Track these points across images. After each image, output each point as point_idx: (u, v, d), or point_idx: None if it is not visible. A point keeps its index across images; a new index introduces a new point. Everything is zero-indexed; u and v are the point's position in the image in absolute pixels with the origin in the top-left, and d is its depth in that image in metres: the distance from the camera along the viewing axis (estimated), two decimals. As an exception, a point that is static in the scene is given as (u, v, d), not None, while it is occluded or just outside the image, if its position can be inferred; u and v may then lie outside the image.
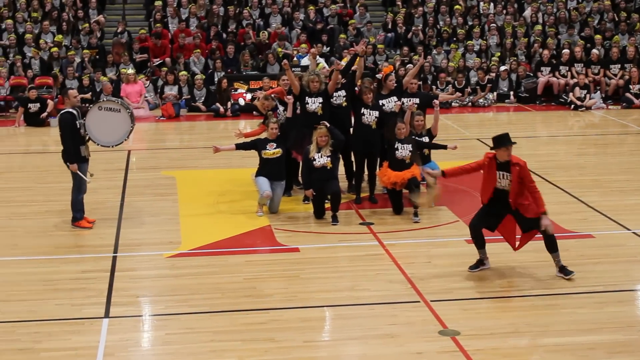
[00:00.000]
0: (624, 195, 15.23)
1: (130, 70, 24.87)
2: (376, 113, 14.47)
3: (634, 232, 13.06)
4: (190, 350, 9.22)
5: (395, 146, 13.90)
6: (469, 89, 25.52)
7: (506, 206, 11.14)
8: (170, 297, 10.76)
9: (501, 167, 11.03)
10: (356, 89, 14.83)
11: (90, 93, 24.18)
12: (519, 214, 11.10)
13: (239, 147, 14.50)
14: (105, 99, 14.55)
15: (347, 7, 29.14)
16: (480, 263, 11.50)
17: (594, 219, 13.81)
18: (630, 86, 25.12)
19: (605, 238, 12.84)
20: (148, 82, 25.12)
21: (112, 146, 14.05)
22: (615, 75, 26.01)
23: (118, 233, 13.28)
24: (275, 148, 14.17)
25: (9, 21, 26.97)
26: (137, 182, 16.40)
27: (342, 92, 14.74)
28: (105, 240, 12.92)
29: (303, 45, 25.96)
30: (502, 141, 11.00)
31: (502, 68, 26.01)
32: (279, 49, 26.28)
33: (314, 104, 14.46)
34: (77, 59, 25.86)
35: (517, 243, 11.44)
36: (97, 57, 26.30)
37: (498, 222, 11.36)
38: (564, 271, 11.15)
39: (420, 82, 23.91)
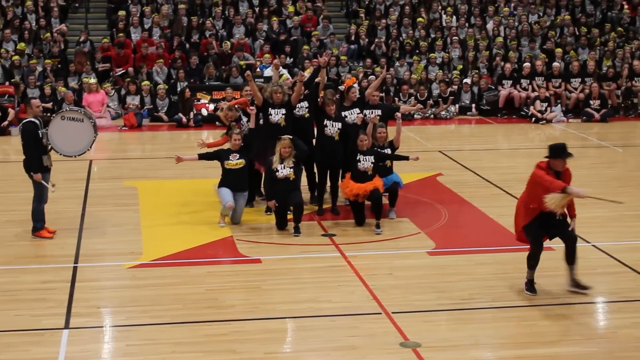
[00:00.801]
0: (584, 208, 15.19)
1: (93, 80, 24.75)
2: (339, 125, 14.51)
3: (593, 245, 13.17)
4: (151, 361, 9.19)
5: (358, 158, 13.94)
6: (431, 101, 25.63)
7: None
8: (132, 308, 10.71)
9: (558, 176, 10.90)
10: (319, 100, 14.86)
11: (52, 102, 23.99)
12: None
13: (202, 157, 14.48)
14: (68, 109, 14.49)
15: (311, 12, 29.09)
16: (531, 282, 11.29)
17: (554, 232, 13.88)
18: (591, 101, 25.36)
19: (565, 251, 12.92)
20: (113, 91, 25.01)
21: (75, 156, 14.02)
22: (576, 89, 26.25)
23: (79, 243, 13.20)
24: (238, 159, 14.16)
25: (-30, 29, 26.78)
26: (99, 192, 16.31)
27: (305, 104, 14.76)
28: (66, 251, 12.83)
29: (266, 56, 25.97)
30: (560, 152, 10.87)
31: (465, 81, 26.18)
32: (241, 62, 26.25)
33: (277, 115, 14.47)
34: (39, 68, 25.69)
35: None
36: (59, 66, 26.14)
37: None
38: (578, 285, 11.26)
39: (383, 94, 24.08)
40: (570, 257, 11.13)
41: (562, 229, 11.06)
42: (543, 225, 11.04)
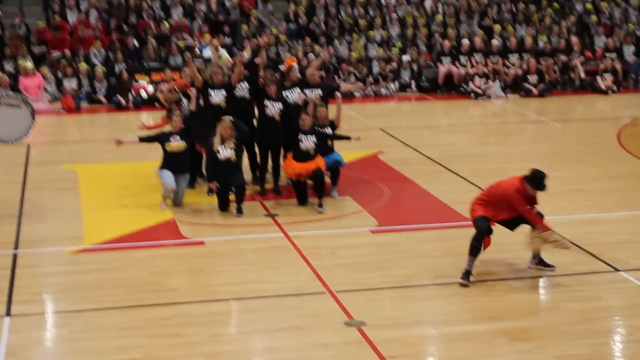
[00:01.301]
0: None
1: (29, 63, 24.41)
2: (279, 105, 14.47)
3: (534, 220, 13.27)
4: (95, 347, 9.09)
5: (299, 138, 13.92)
6: (370, 79, 25.68)
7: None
8: (74, 293, 10.61)
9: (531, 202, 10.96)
10: (259, 81, 14.80)
11: (-13, 86, 23.65)
12: None
13: (143, 140, 14.36)
14: (4, 95, 14.27)
15: None
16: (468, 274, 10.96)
17: (495, 208, 13.99)
18: (529, 76, 25.58)
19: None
20: (50, 74, 24.67)
21: (12, 142, 13.83)
22: (514, 64, 26.44)
23: (19, 229, 13.03)
24: (179, 141, 14.07)
25: None
26: (38, 177, 16.12)
27: (245, 85, 14.70)
28: (5, 237, 12.65)
29: (206, 36, 25.80)
30: (540, 185, 10.82)
31: (404, 58, 26.24)
32: (180, 42, 26.04)
33: (217, 96, 14.39)
34: (-27, 52, 25.30)
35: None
36: (-6, 49, 25.77)
37: None
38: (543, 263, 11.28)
39: (323, 73, 24.04)
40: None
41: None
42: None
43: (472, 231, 12.57)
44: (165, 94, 15.18)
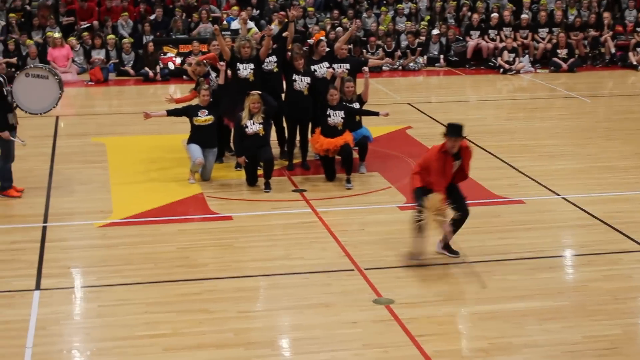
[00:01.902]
0: (553, 160, 15.41)
1: (57, 34, 24.44)
2: (308, 79, 14.40)
3: (563, 198, 13.22)
4: (124, 322, 9.12)
5: (327, 113, 13.87)
6: (399, 53, 25.54)
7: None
8: (102, 268, 10.64)
9: (456, 157, 10.54)
10: (287, 54, 14.74)
11: (16, 58, 23.70)
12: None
13: (170, 113, 14.33)
14: (32, 66, 14.30)
15: None
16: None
17: (524, 185, 13.94)
18: (558, 50, 25.35)
19: (536, 204, 12.97)
20: (78, 45, 24.69)
21: (41, 114, 13.87)
22: (543, 39, 26.21)
23: (48, 202, 13.08)
24: (207, 115, 14.04)
25: None
26: (67, 149, 16.16)
27: (274, 58, 14.64)
28: (35, 210, 12.72)
29: (234, 8, 25.70)
30: (450, 131, 10.33)
31: (433, 32, 26.07)
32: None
33: (245, 70, 14.33)
34: (2, 22, 25.32)
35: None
36: (23, 20, 25.77)
37: None
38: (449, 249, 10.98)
39: (351, 46, 23.93)
40: (456, 227, 10.75)
41: (458, 201, 10.66)
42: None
43: (501, 209, 12.58)
44: (194, 67, 15.15)
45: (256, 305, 9.74)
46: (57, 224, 12.21)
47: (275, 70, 14.67)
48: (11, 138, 13.06)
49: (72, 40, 24.62)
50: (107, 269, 10.58)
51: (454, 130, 10.33)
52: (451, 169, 10.47)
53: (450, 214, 10.45)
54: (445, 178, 10.41)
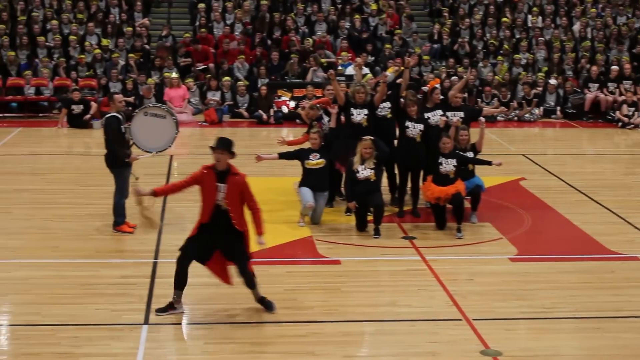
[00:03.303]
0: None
1: (174, 75, 24.91)
2: (421, 126, 14.32)
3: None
4: (229, 361, 9.14)
5: (440, 161, 13.75)
6: (514, 103, 25.29)
7: (226, 230, 10.24)
8: (210, 305, 10.69)
9: (220, 178, 10.21)
10: (401, 101, 14.70)
11: (133, 97, 24.22)
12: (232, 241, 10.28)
13: (282, 156, 14.41)
14: (151, 105, 14.57)
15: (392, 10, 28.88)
16: (171, 307, 10.33)
17: (640, 241, 13.61)
18: (679, 106, 24.80)
19: (652, 261, 12.63)
20: (194, 86, 25.12)
21: (156, 152, 14.08)
22: (664, 93, 25.68)
23: (159, 239, 13.23)
24: (318, 158, 14.07)
25: (54, 22, 27.11)
26: (179, 188, 16.31)
27: (387, 104, 14.62)
28: (146, 246, 12.88)
29: (344, 54, 25.84)
30: (217, 143, 10.10)
31: (550, 82, 25.74)
32: (322, 60, 26.13)
33: (359, 115, 14.33)
34: (122, 62, 25.93)
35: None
36: (142, 60, 26.35)
37: (211, 253, 10.33)
38: (264, 303, 10.43)
39: (465, 95, 23.81)
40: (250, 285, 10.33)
41: (231, 251, 10.31)
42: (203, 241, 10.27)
43: (616, 265, 12.25)
44: (307, 111, 15.24)
45: (362, 350, 9.66)
46: (168, 260, 12.27)
47: (389, 116, 14.64)
48: (138, 158, 13.32)
49: (190, 81, 25.06)
50: (214, 307, 10.63)
51: (218, 142, 10.08)
52: (214, 189, 10.11)
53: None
54: (209, 197, 10.13)
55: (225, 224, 10.21)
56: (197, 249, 10.29)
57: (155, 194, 10.64)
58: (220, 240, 10.27)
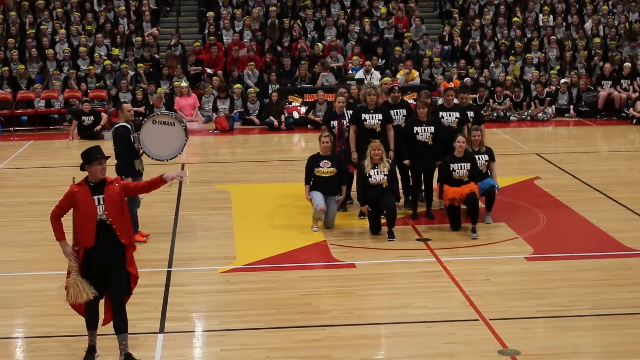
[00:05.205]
0: None
1: (184, 83, 24.89)
2: (431, 129, 14.24)
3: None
4: (245, 367, 9.09)
5: (452, 168, 13.61)
6: (529, 104, 25.17)
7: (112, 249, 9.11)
8: (225, 312, 10.63)
9: (95, 191, 9.09)
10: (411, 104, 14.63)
11: (143, 107, 24.20)
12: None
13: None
14: (159, 113, 14.54)
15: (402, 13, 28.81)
16: (92, 350, 9.27)
17: (657, 237, 13.48)
18: (694, 101, 24.65)
19: (670, 257, 12.51)
20: (209, 94, 25.05)
21: (166, 160, 14.05)
22: (678, 89, 25.53)
23: (172, 247, 13.19)
24: (329, 167, 13.94)
25: (62, 31, 27.12)
26: (191, 196, 16.32)
27: (403, 111, 14.60)
28: (160, 255, 12.84)
29: (355, 58, 25.76)
30: (86, 156, 9.23)
31: (562, 81, 25.61)
32: (332, 65, 26.06)
33: (372, 119, 14.28)
34: (131, 72, 25.93)
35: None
36: (151, 70, 26.35)
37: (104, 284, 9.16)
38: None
39: (476, 96, 23.77)
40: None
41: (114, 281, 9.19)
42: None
43: (633, 261, 12.16)
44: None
45: (378, 353, 9.58)
46: (181, 269, 12.28)
47: (403, 125, 14.57)
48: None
49: (209, 88, 25.00)
50: (229, 313, 10.56)
51: (98, 152, 9.26)
52: (91, 204, 8.98)
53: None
54: (88, 214, 8.96)
55: (110, 240, 9.03)
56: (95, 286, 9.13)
57: (59, 239, 9.28)
58: (106, 269, 9.12)
